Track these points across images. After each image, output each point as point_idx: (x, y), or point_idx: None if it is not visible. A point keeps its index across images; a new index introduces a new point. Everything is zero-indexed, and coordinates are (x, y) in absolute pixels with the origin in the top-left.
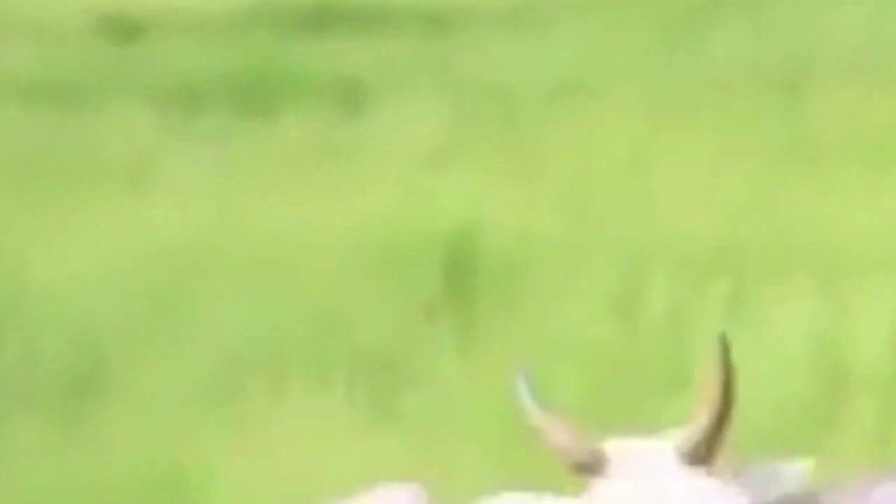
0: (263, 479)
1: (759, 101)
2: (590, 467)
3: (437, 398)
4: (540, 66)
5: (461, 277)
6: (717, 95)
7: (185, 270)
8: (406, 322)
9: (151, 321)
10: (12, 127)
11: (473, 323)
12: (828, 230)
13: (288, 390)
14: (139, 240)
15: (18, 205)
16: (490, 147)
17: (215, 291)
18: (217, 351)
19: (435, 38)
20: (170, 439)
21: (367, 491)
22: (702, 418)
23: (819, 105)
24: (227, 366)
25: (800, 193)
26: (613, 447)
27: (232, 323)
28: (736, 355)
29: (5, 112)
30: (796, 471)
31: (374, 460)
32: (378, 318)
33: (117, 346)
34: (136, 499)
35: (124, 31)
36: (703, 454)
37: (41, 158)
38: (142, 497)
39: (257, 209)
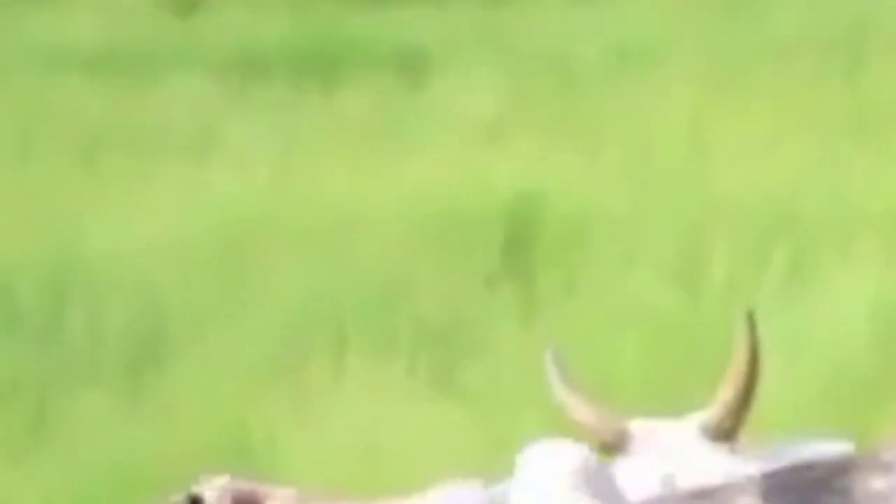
0: (326, 449)
1: (819, 68)
2: (614, 445)
3: (498, 369)
4: (599, 35)
5: (521, 247)
6: (776, 63)
7: (247, 240)
8: (466, 293)
9: (214, 291)
10: (76, 98)
11: (534, 293)
12: (889, 196)
13: (349, 361)
14: (202, 210)
15: (83, 176)
16: (550, 116)
17: (277, 262)
18: (279, 321)
19: (495, 7)
20: (233, 408)
21: (433, 489)
22: (726, 395)
23: (879, 71)
24: (290, 336)
25: (860, 160)
26: (637, 426)
27: (294, 293)
28: (796, 323)
29: (69, 84)
30: (834, 452)
31: (434, 430)
32: (438, 289)
33: (181, 315)
34: (201, 467)
35: (185, 2)
36: (726, 431)
37: (105, 129)
38: (206, 465)
39: (318, 179)
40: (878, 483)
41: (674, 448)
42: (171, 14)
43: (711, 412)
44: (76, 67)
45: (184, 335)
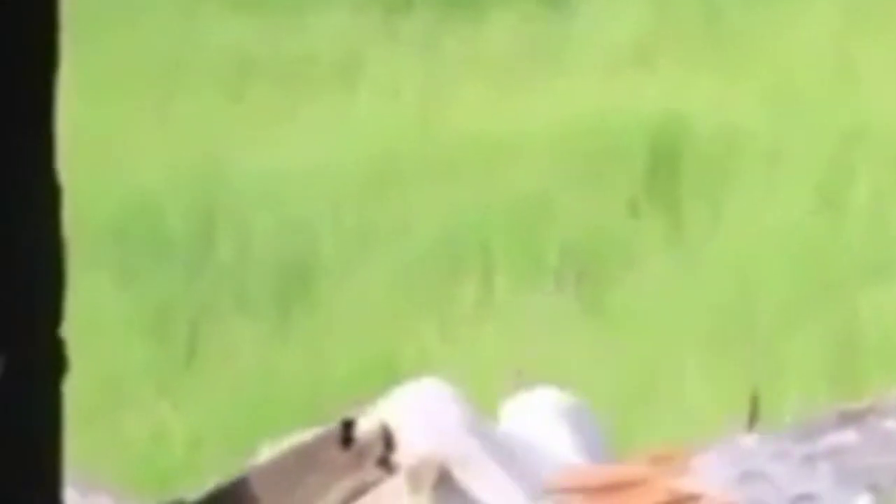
0: (474, 372)
1: None
2: None
3: (644, 292)
4: None
5: (665, 171)
6: None
7: (394, 168)
8: (611, 218)
9: (362, 218)
10: (225, 31)
11: (677, 217)
12: None
13: (496, 284)
14: (349, 138)
15: (231, 106)
16: (694, 40)
17: (424, 188)
18: (427, 246)
19: None
20: (382, 333)
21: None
22: None
23: None
24: (437, 260)
25: None
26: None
27: (441, 218)
28: None
29: (218, 16)
30: None
31: (580, 354)
32: (583, 213)
33: (330, 242)
34: (350, 391)
35: None
36: None
37: (252, 60)
38: (355, 389)
39: (464, 106)
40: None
41: None
42: None
43: None
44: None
45: (332, 262)
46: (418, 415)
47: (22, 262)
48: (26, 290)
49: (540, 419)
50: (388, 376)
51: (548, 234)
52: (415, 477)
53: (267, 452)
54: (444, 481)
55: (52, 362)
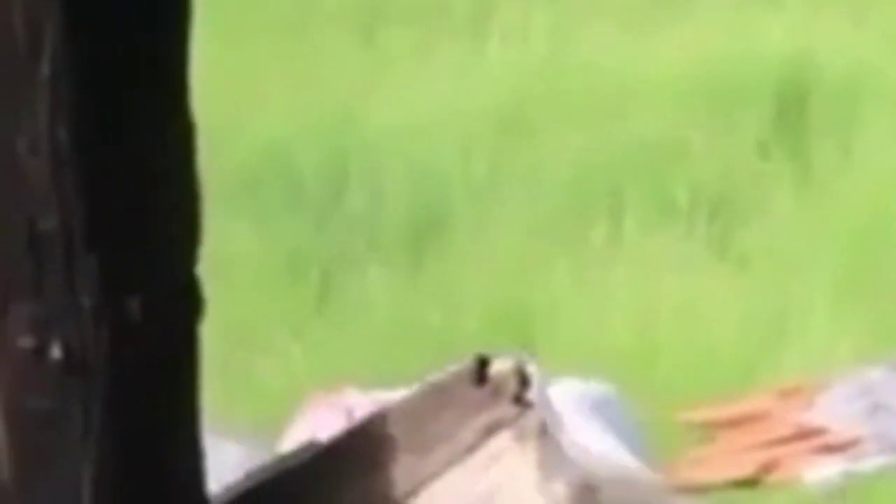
0: (605, 315)
1: None
2: None
3: (774, 235)
4: None
5: (793, 113)
6: None
7: (525, 112)
8: (740, 159)
9: (493, 163)
10: None
11: (807, 158)
12: None
13: (626, 227)
14: (480, 83)
15: (362, 52)
16: None
17: (555, 132)
18: (557, 190)
19: None
20: (514, 278)
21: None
22: None
23: None
24: (568, 205)
25: None
26: None
27: (571, 162)
28: None
29: None
30: None
31: (711, 296)
32: (712, 156)
33: (461, 188)
34: (482, 339)
35: None
36: None
37: (385, 5)
38: (487, 337)
39: (593, 49)
40: None
41: None
42: None
43: None
44: None
45: (463, 208)
46: None
47: (157, 199)
48: (162, 227)
49: (570, 410)
50: (520, 322)
51: (677, 177)
52: (520, 427)
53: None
54: (547, 432)
55: (189, 301)
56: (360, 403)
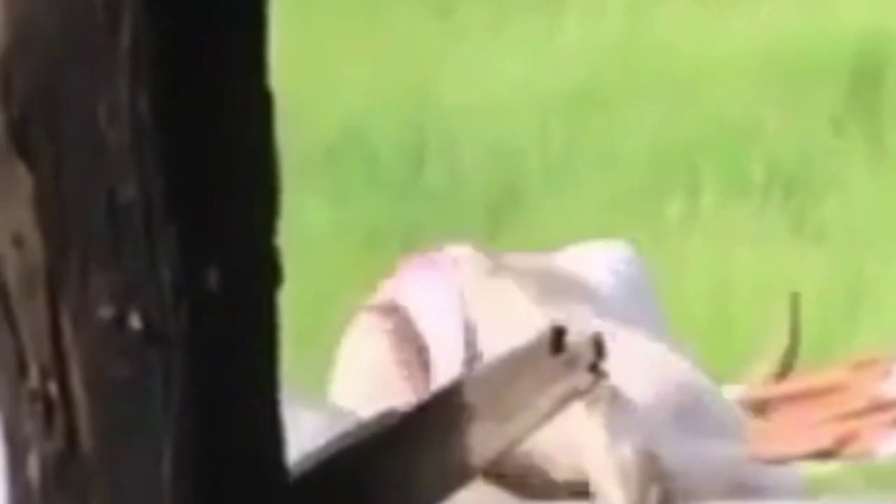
0: (681, 290)
1: None
2: None
3: (848, 209)
4: None
5: (868, 90)
6: None
7: (600, 89)
8: (814, 136)
9: (569, 138)
10: None
11: (881, 136)
12: None
13: (703, 202)
14: (555, 61)
15: (438, 28)
16: None
17: (631, 108)
18: (634, 165)
19: None
20: None
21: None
22: (761, 369)
23: None
24: (644, 180)
25: None
26: None
27: (648, 138)
28: None
29: None
30: None
31: (786, 270)
32: (787, 133)
33: (538, 163)
34: None
35: None
36: (762, 406)
37: None
38: None
39: (669, 29)
40: None
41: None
42: None
43: (748, 388)
44: None
45: (541, 182)
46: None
47: (236, 168)
48: (240, 196)
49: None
50: None
51: (753, 153)
52: (593, 394)
53: None
54: (616, 398)
55: (268, 271)
56: (465, 255)
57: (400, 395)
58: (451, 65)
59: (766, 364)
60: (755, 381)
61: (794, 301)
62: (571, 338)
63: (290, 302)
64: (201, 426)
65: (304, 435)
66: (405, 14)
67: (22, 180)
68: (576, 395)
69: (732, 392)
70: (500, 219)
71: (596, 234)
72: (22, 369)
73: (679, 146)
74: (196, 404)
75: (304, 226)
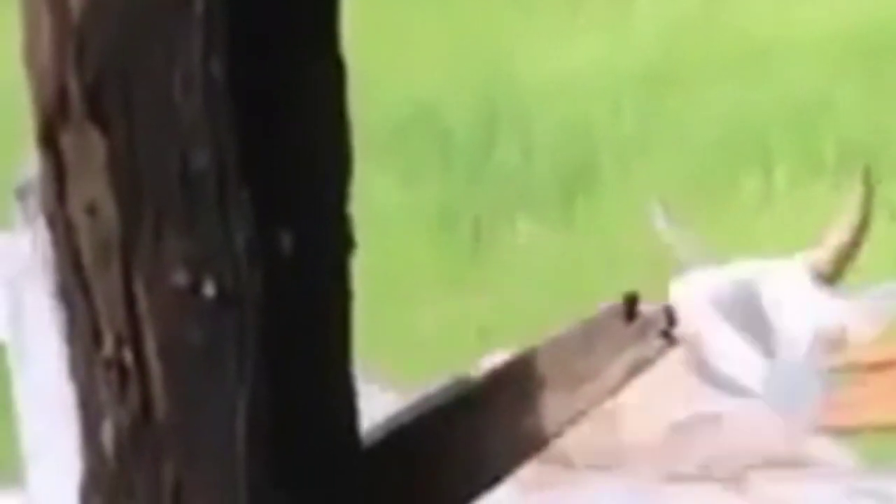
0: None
1: None
2: None
3: None
4: None
5: None
6: None
7: (674, 67)
8: (888, 115)
9: (642, 117)
10: None
11: None
12: None
13: (776, 180)
14: (629, 39)
15: (511, 7)
16: None
17: (705, 86)
18: (707, 143)
19: None
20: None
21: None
22: (838, 237)
23: None
24: (718, 158)
25: None
26: (743, 266)
27: (721, 116)
28: None
29: None
30: None
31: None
32: (861, 112)
33: (611, 141)
34: (635, 286)
35: None
36: (833, 273)
37: None
38: (640, 284)
39: (744, 6)
40: None
41: (781, 285)
42: None
43: (820, 254)
44: None
45: (613, 161)
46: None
47: (308, 134)
48: (314, 162)
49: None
50: (674, 269)
51: (827, 132)
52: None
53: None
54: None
55: (341, 237)
56: None
57: None
58: (525, 43)
59: (840, 234)
60: (829, 247)
61: (867, 171)
62: (644, 306)
63: (363, 282)
64: (275, 392)
65: (375, 414)
66: None
67: (96, 148)
68: (646, 363)
69: (805, 258)
70: (572, 198)
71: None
72: (96, 338)
73: (752, 125)
74: (270, 371)
75: (377, 205)
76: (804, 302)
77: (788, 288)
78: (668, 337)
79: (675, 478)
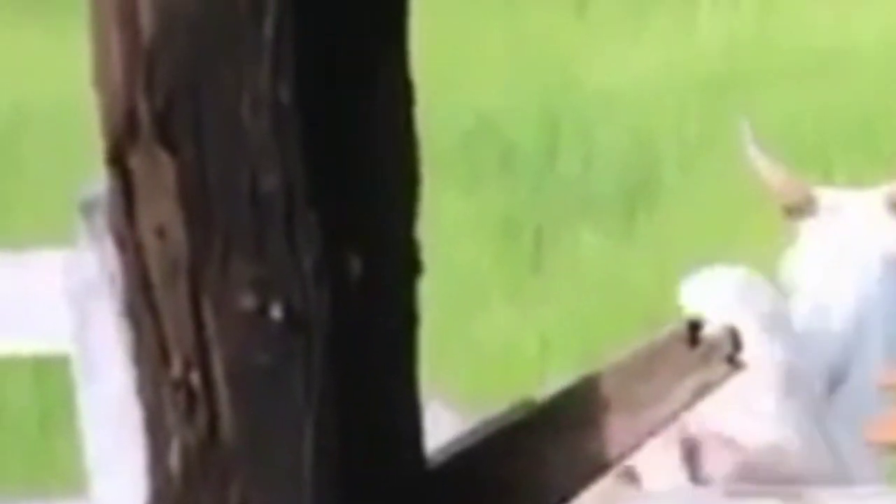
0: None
1: None
2: (800, 209)
3: None
4: None
5: None
6: None
7: (733, 79)
8: None
9: (705, 126)
10: None
11: None
12: None
13: (837, 186)
14: (690, 50)
15: (574, 19)
16: None
17: (764, 96)
18: (769, 152)
19: None
20: (725, 235)
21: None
22: None
23: None
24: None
25: None
26: (824, 193)
27: (780, 124)
28: None
29: None
30: None
31: None
32: None
33: (673, 151)
34: None
35: None
36: None
37: None
38: None
39: (802, 16)
40: None
41: (859, 216)
42: None
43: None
44: None
45: (676, 170)
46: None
47: (377, 156)
48: (382, 185)
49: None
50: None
51: (886, 138)
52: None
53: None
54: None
55: (409, 259)
56: None
57: None
58: (586, 54)
59: None
60: None
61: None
62: (708, 330)
63: (426, 293)
64: (342, 414)
65: (439, 430)
66: (542, 6)
67: (165, 170)
68: (711, 388)
69: (882, 190)
70: (634, 206)
71: (730, 220)
72: (164, 359)
73: (813, 134)
74: (337, 393)
75: (440, 216)
76: (877, 228)
77: (863, 214)
78: (733, 362)
79: (734, 493)
